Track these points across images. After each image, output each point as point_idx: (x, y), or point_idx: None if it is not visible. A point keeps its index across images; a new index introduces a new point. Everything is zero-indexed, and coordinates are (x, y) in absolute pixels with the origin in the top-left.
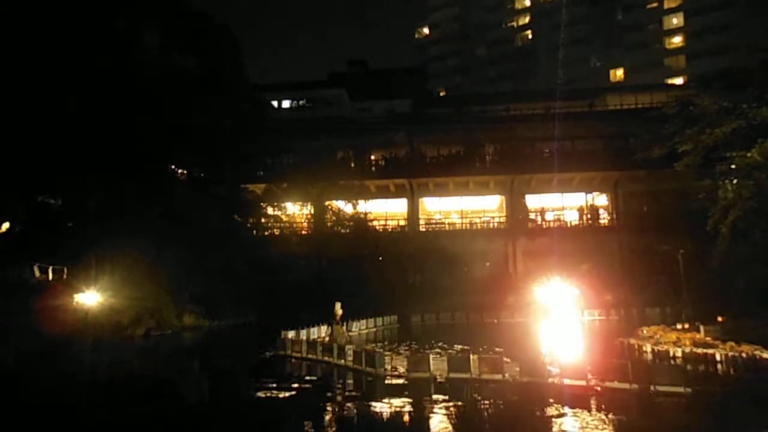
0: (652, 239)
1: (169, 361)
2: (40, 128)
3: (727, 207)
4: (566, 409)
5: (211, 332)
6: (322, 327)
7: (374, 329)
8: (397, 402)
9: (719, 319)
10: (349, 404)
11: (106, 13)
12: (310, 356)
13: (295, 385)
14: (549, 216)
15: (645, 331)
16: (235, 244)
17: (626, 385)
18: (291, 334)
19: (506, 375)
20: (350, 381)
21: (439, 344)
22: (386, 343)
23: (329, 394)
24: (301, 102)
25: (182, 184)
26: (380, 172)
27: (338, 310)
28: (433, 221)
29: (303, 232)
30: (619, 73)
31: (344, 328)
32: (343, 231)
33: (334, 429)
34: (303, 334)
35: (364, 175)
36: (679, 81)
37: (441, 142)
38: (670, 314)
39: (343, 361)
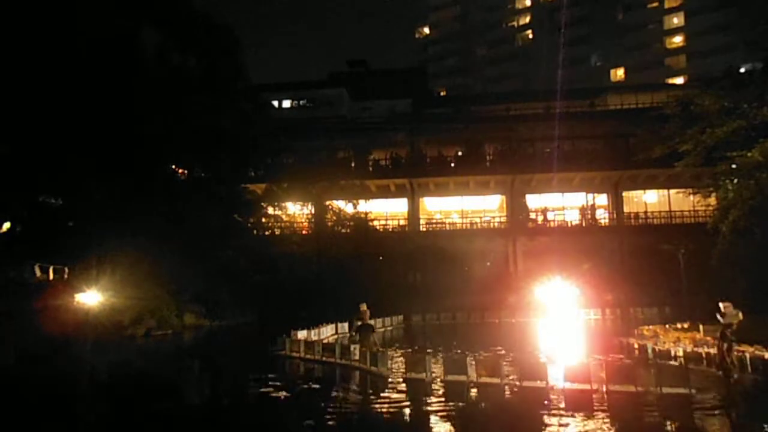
0: (652, 239)
1: (170, 360)
2: (41, 128)
3: (727, 207)
4: (567, 413)
5: (212, 332)
6: (328, 326)
7: (383, 329)
8: (398, 403)
9: None
10: (350, 404)
11: (105, 12)
12: (308, 356)
13: (297, 385)
14: (549, 216)
15: (645, 331)
16: (235, 243)
17: (631, 388)
18: (301, 334)
19: (507, 379)
20: (353, 381)
21: (450, 345)
22: (401, 343)
23: (331, 394)
24: (301, 102)
25: (183, 184)
26: (380, 171)
27: (364, 308)
28: (434, 221)
29: (303, 232)
30: (619, 73)
31: (373, 332)
32: (343, 231)
33: (335, 429)
34: (312, 334)
35: (364, 175)
36: (679, 81)
37: (441, 142)
38: (670, 314)
39: (345, 360)
